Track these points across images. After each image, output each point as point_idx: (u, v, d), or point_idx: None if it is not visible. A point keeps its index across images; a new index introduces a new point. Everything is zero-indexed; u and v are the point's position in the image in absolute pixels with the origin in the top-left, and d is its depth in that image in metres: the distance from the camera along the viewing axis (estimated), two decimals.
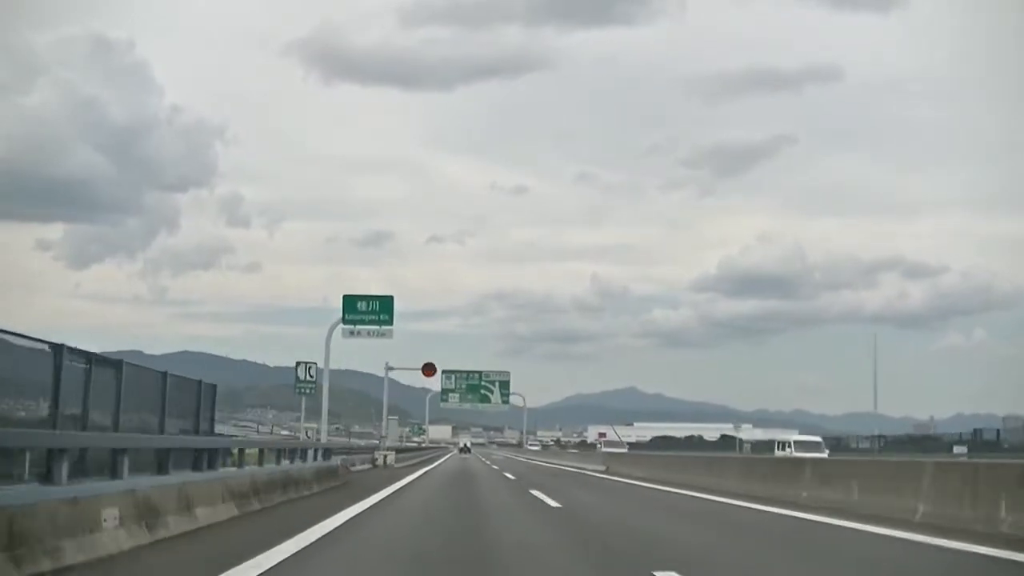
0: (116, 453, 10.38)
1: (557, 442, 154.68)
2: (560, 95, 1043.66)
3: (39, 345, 11.65)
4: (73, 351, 12.53)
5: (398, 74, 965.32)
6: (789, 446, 37.67)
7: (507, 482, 27.21)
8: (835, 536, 11.49)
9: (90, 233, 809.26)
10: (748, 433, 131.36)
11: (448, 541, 10.91)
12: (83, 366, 12.78)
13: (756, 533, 12.20)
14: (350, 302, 32.24)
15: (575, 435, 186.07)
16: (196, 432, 15.13)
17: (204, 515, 11.06)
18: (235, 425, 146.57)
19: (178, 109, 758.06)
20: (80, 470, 11.19)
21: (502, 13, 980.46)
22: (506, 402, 78.07)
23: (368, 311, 32.15)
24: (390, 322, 32.20)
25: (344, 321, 32.19)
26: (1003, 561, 9.02)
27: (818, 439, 40.28)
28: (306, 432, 26.85)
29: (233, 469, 13.74)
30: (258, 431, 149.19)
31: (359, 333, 32.26)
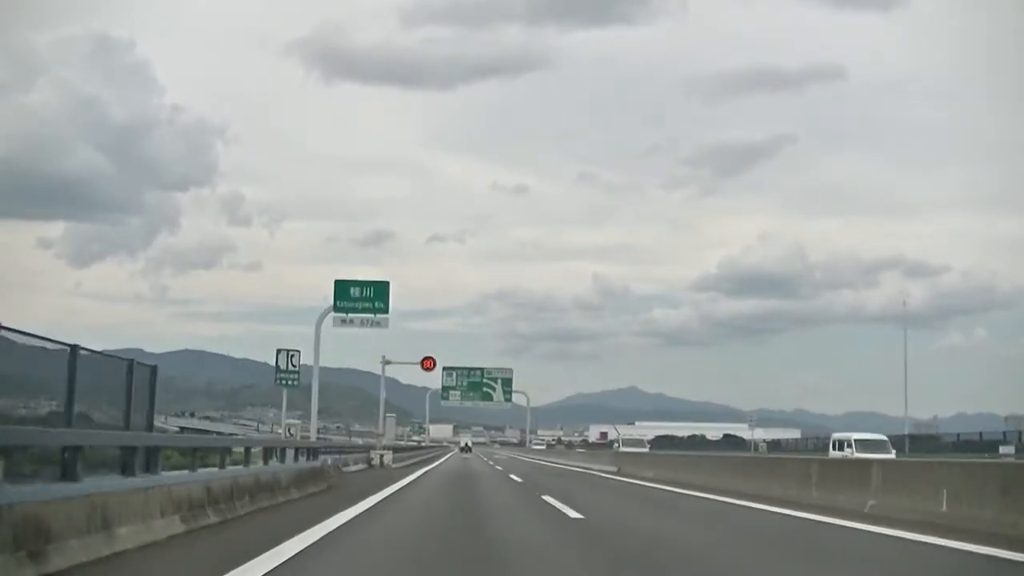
0: None
1: (559, 441, 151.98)
2: (561, 95, 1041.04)
3: None
4: None
5: (399, 74, 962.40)
6: (849, 446, 33.44)
7: (514, 485, 24.63)
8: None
9: (91, 232, 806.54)
10: (750, 433, 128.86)
11: (449, 571, 8.33)
12: None
13: (849, 557, 9.60)
14: (342, 288, 29.63)
15: (576, 435, 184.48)
16: (127, 427, 12.46)
17: (129, 535, 8.47)
18: (235, 424, 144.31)
19: (179, 108, 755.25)
20: None
21: (503, 13, 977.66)
22: (509, 400, 75.47)
23: (361, 298, 29.54)
24: (385, 310, 29.59)
25: (335, 309, 29.59)
26: None
27: (883, 437, 35.39)
28: (288, 429, 24.18)
29: (183, 473, 11.16)
30: (258, 430, 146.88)
31: (352, 322, 29.66)
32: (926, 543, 10.00)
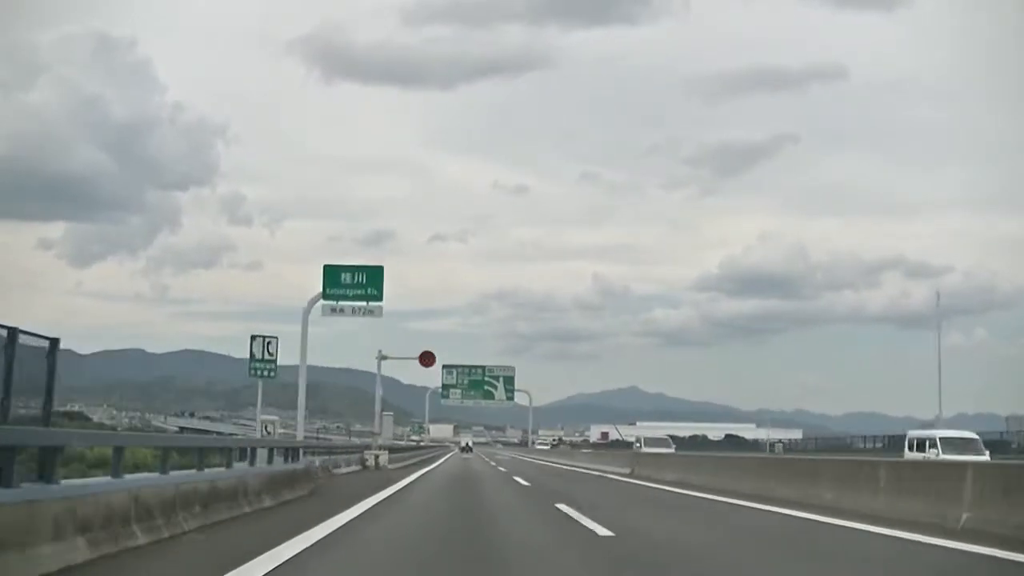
0: None
1: (560, 440, 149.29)
2: (562, 94, 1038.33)
3: None
4: None
5: (399, 73, 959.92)
6: (933, 445, 28.58)
7: (521, 490, 22.10)
8: None
9: (92, 232, 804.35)
10: (751, 433, 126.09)
11: None
12: None
13: None
14: (332, 273, 27.07)
15: (576, 435, 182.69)
16: (5, 420, 9.93)
17: None
18: (235, 424, 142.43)
19: (180, 107, 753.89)
20: None
21: (504, 12, 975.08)
22: (511, 398, 72.95)
23: (353, 284, 26.98)
24: (379, 297, 27.04)
25: (325, 296, 27.04)
26: None
27: (973, 435, 30.16)
28: (265, 427, 21.61)
29: (101, 480, 8.64)
30: (257, 429, 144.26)
31: (342, 310, 27.11)
32: None
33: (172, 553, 8.64)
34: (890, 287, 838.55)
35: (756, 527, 12.61)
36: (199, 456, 11.54)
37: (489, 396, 71.99)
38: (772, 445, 58.43)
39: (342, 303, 26.95)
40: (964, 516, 11.28)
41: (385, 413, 45.42)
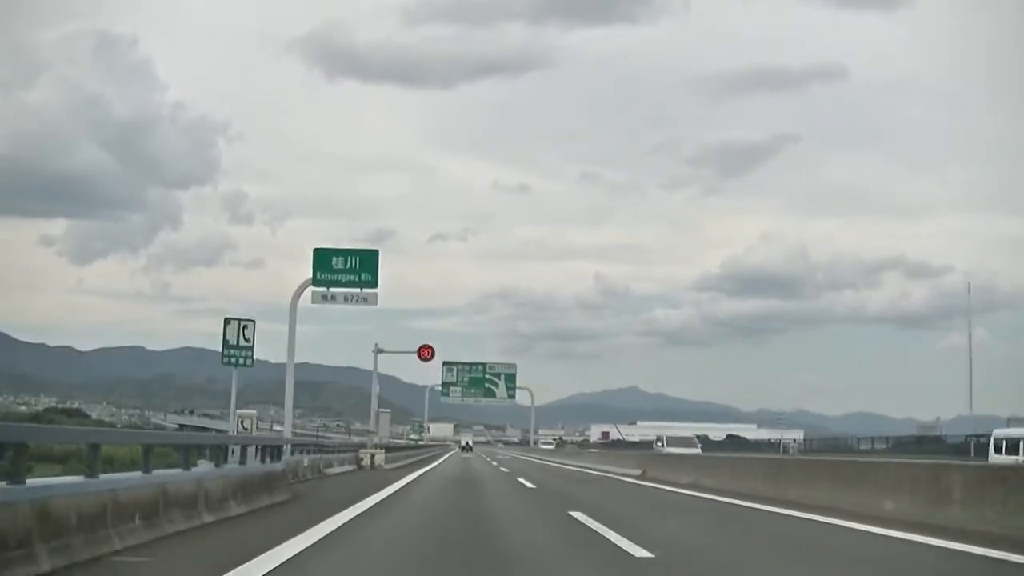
0: None
1: (561, 440, 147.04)
2: (563, 94, 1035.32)
3: None
4: None
5: (400, 72, 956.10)
6: None
7: (527, 494, 20.03)
8: None
9: (93, 229, 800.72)
10: (752, 433, 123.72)
11: None
12: None
13: None
14: (322, 257, 24.97)
15: (577, 434, 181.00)
16: None
17: None
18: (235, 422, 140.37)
19: (181, 106, 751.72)
20: None
21: (505, 11, 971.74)
22: (512, 396, 70.93)
23: (346, 269, 24.88)
24: (374, 283, 24.93)
25: (315, 282, 24.95)
26: None
27: None
28: (241, 422, 19.38)
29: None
30: (257, 427, 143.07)
31: (334, 297, 25.02)
32: None
33: None
34: (890, 287, 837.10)
35: (822, 545, 10.54)
36: (147, 456, 9.48)
37: (490, 394, 70.08)
38: (786, 446, 56.19)
39: (334, 289, 24.87)
40: None
41: (382, 410, 43.36)
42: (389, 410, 47.07)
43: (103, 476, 8.32)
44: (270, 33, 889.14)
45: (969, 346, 57.57)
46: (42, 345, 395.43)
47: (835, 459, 20.00)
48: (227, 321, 20.81)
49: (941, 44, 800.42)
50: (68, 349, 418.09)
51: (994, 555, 8.82)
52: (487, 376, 69.69)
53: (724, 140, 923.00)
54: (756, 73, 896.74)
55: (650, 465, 29.78)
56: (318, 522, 11.30)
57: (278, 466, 15.76)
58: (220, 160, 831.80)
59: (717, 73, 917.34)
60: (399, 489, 20.26)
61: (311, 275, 24.88)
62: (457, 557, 8.90)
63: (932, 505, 12.06)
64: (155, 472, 9.61)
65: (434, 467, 38.18)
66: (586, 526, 11.59)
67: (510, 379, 70.34)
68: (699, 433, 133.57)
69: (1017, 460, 24.75)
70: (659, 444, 34.11)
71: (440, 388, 70.01)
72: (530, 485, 22.81)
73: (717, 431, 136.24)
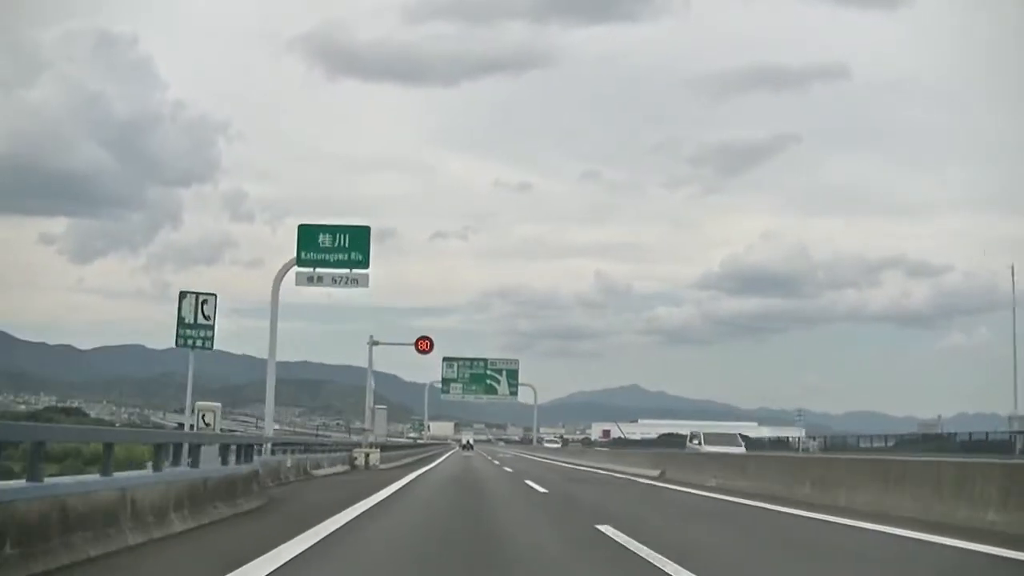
0: None
1: (564, 438, 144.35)
2: (564, 92, 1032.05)
3: None
4: None
5: (401, 70, 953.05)
6: None
7: (539, 500, 17.47)
8: None
9: (93, 228, 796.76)
10: (754, 432, 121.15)
11: None
12: None
13: None
14: (308, 235, 22.49)
15: (578, 432, 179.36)
16: None
17: None
18: (233, 420, 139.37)
19: (181, 104, 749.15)
20: None
21: (506, 9, 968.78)
22: (514, 393, 68.44)
23: (334, 247, 22.39)
24: (365, 263, 22.43)
25: (300, 262, 22.45)
26: None
27: None
28: (201, 416, 16.54)
29: None
30: (257, 426, 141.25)
31: (321, 279, 22.55)
32: None
33: None
34: (891, 286, 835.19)
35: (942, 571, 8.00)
36: (34, 459, 6.90)
37: (492, 391, 67.74)
38: (805, 445, 53.48)
39: (321, 270, 22.40)
40: None
41: (378, 407, 40.79)
42: (385, 407, 44.50)
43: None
44: (270, 32, 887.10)
45: (1013, 338, 54.68)
46: (42, 344, 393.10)
47: (889, 459, 17.38)
48: (182, 295, 17.89)
49: (941, 44, 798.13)
50: (68, 348, 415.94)
51: None
52: (488, 372, 67.36)
53: (725, 139, 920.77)
54: (757, 72, 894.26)
55: (669, 465, 27.24)
56: (283, 540, 8.82)
57: (245, 468, 13.20)
58: (220, 159, 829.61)
59: (718, 72, 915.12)
60: (392, 493, 17.75)
61: (295, 254, 22.39)
62: None
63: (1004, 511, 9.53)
64: (49, 480, 7.07)
65: (433, 467, 35.65)
66: (627, 549, 9.02)
67: (512, 375, 68.00)
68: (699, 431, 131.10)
69: None
70: (695, 443, 30.10)
71: (440, 385, 67.75)
72: (540, 489, 20.24)
73: (720, 430, 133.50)
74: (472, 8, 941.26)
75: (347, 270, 22.34)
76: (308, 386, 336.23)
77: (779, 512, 13.96)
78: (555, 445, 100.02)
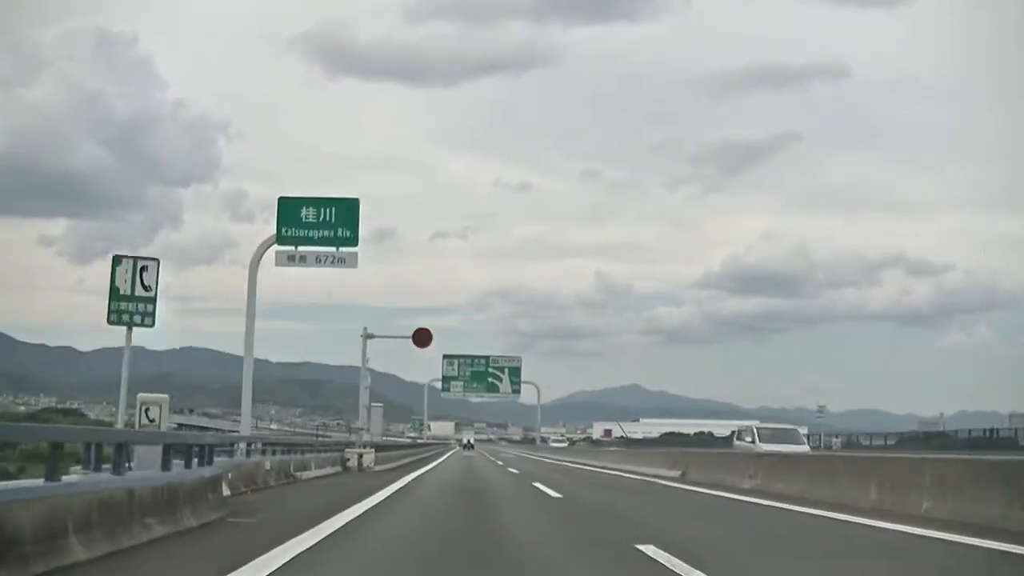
0: None
1: (569, 438, 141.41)
2: (564, 91, 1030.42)
3: None
4: None
5: (401, 70, 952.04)
6: None
7: (556, 509, 14.92)
8: None
9: (93, 228, 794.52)
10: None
11: None
12: None
13: None
14: (289, 209, 19.99)
15: (579, 432, 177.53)
16: None
17: None
18: (233, 420, 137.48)
19: (181, 104, 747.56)
20: None
21: (507, 9, 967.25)
22: (517, 391, 65.91)
23: (319, 222, 19.88)
24: (353, 240, 19.93)
25: (280, 239, 19.93)
26: None
27: None
28: (145, 411, 13.70)
29: None
30: (256, 427, 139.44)
31: (304, 258, 20.04)
32: None
33: None
34: (891, 285, 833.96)
35: None
36: None
37: (493, 389, 65.32)
38: (828, 442, 50.95)
39: (303, 248, 19.88)
40: None
41: (374, 404, 38.26)
42: (381, 404, 41.94)
43: None
44: (270, 31, 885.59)
45: None
46: (42, 345, 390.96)
47: (968, 456, 14.82)
48: (116, 260, 14.78)
49: (941, 43, 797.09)
50: (68, 349, 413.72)
51: None
52: (490, 370, 64.97)
53: (725, 138, 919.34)
54: (757, 71, 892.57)
55: (690, 464, 24.69)
56: (237, 568, 6.32)
57: (196, 475, 10.64)
58: (220, 158, 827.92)
59: (718, 71, 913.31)
60: (386, 499, 15.25)
61: (275, 231, 19.86)
62: None
63: None
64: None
65: (431, 468, 33.14)
66: None
67: (515, 373, 65.60)
68: (703, 430, 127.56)
69: None
70: (747, 440, 25.37)
71: (440, 384, 65.41)
72: (553, 494, 17.67)
73: (720, 428, 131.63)
74: (472, 8, 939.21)
75: (333, 248, 19.83)
76: (307, 386, 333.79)
77: (854, 523, 11.43)
78: (561, 445, 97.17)
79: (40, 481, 7.07)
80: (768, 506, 14.67)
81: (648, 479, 24.54)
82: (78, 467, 9.49)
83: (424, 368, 69.95)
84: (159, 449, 9.94)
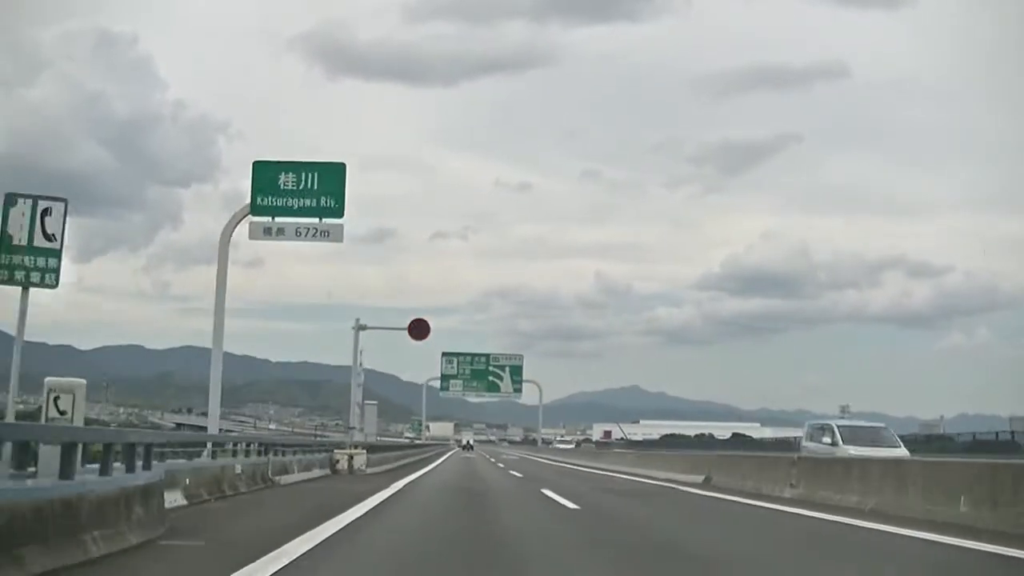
0: None
1: (575, 441, 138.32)
2: (564, 92, 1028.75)
3: None
4: None
5: (401, 70, 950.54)
6: None
7: (574, 525, 12.38)
8: None
9: (93, 227, 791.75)
10: (756, 432, 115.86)
11: None
12: None
13: None
14: (265, 174, 17.51)
15: (578, 432, 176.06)
16: None
17: None
18: (232, 420, 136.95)
19: (182, 104, 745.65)
20: None
21: (507, 9, 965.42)
22: (518, 390, 63.53)
23: (298, 190, 17.39)
24: (339, 211, 17.43)
25: (255, 209, 17.41)
26: None
27: None
28: (54, 400, 10.94)
29: None
30: (255, 427, 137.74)
31: (282, 231, 17.56)
32: None
33: None
34: (891, 287, 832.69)
35: None
36: None
37: (494, 388, 63.01)
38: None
39: (281, 220, 17.40)
40: None
41: (368, 402, 35.76)
42: (375, 402, 39.40)
43: None
44: (270, 31, 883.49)
45: None
46: (42, 344, 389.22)
47: None
48: (10, 200, 11.55)
49: (941, 44, 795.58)
50: (67, 347, 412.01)
51: None
52: (491, 368, 62.71)
53: (725, 139, 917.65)
54: (757, 72, 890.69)
55: (714, 468, 22.15)
56: None
57: (119, 483, 8.11)
58: (220, 158, 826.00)
59: (719, 71, 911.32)
60: (372, 509, 12.74)
61: (250, 199, 17.33)
62: None
63: None
64: None
65: (428, 471, 30.63)
66: None
67: (516, 371, 63.30)
68: (703, 432, 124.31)
69: None
70: (824, 441, 20.88)
71: (439, 381, 63.07)
72: (569, 504, 15.12)
73: (719, 430, 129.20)
74: (472, 8, 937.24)
75: (316, 219, 17.34)
76: (307, 386, 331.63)
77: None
78: (568, 446, 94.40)
79: None
80: (870, 529, 11.96)
81: (669, 485, 21.99)
82: None
83: (425, 368, 67.47)
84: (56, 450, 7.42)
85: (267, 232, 17.41)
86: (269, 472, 18.91)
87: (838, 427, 21.65)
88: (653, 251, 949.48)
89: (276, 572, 6.86)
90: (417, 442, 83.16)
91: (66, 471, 7.32)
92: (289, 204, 17.28)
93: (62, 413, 9.21)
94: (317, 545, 8.52)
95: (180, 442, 14.95)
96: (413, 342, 35.96)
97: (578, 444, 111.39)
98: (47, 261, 12.12)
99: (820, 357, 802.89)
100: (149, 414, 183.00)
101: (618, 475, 28.44)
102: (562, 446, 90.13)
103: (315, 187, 17.31)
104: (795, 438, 74.89)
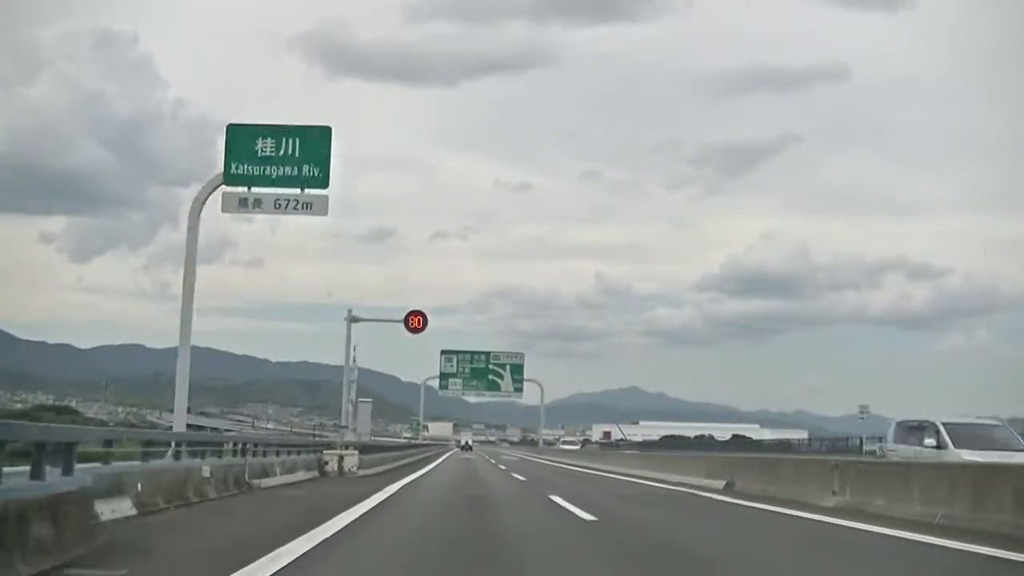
0: None
1: (585, 440, 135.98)
2: (564, 92, 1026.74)
3: None
4: None
5: (401, 70, 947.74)
6: None
7: (589, 538, 10.40)
8: None
9: (93, 226, 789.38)
10: (756, 433, 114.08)
11: None
12: None
13: None
14: (240, 139, 15.69)
15: (578, 433, 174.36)
16: None
17: None
18: (231, 420, 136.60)
19: (182, 104, 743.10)
20: None
21: (507, 8, 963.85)
22: (519, 389, 61.66)
23: (277, 157, 15.54)
24: (323, 181, 15.53)
25: (227, 178, 15.48)
26: None
27: None
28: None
29: None
30: (253, 426, 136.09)
31: (259, 202, 15.72)
32: None
33: None
34: (891, 288, 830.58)
35: None
36: None
37: (494, 387, 61.21)
38: (872, 448, 45.95)
39: (259, 190, 15.47)
40: None
41: (362, 400, 33.76)
42: (370, 400, 37.41)
43: None
44: (270, 31, 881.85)
45: None
46: (42, 343, 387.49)
47: None
48: None
49: (941, 44, 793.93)
50: (67, 347, 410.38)
51: None
52: (491, 367, 60.92)
53: (726, 139, 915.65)
54: (758, 72, 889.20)
55: (737, 472, 20.19)
56: None
57: (17, 496, 6.12)
58: (220, 158, 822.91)
59: (719, 72, 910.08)
60: (357, 519, 10.77)
61: (223, 166, 15.34)
62: None
63: None
64: None
65: (425, 473, 28.64)
66: None
67: (517, 370, 61.47)
68: (702, 433, 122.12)
69: None
70: (927, 443, 17.39)
71: (438, 380, 61.30)
72: (585, 515, 13.07)
73: (718, 431, 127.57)
74: (472, 8, 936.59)
75: (297, 189, 15.38)
76: (307, 386, 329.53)
77: None
78: (573, 447, 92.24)
79: None
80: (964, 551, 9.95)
81: (687, 491, 19.99)
82: None
83: (425, 367, 65.55)
84: None
85: (242, 203, 15.48)
86: (246, 475, 16.93)
87: (944, 425, 18.07)
88: (653, 252, 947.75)
89: None
90: (415, 442, 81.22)
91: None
92: (267, 172, 15.33)
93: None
94: (282, 569, 6.62)
95: (82, 439, 12.36)
96: (411, 338, 34.08)
97: (583, 445, 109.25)
98: None
99: (819, 359, 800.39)
100: (148, 413, 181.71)
101: (627, 479, 26.42)
102: (566, 447, 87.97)
103: (296, 154, 15.36)
104: (797, 440, 73.03)
